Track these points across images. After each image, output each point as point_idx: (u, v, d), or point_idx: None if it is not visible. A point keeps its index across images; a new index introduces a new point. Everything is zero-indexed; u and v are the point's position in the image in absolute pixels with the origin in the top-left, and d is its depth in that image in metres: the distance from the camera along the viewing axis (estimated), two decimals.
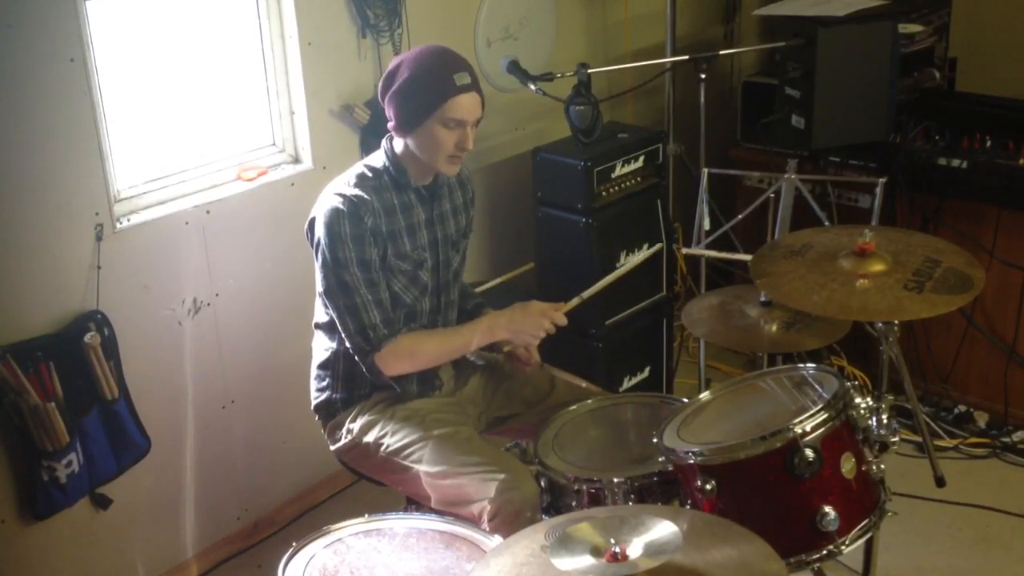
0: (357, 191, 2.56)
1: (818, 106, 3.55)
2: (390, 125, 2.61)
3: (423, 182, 2.67)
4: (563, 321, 2.64)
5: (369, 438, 2.65)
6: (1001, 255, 3.69)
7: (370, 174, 2.61)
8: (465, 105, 2.53)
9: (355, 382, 2.69)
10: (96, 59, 2.87)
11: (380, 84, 2.63)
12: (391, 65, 2.62)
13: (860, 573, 2.66)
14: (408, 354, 2.59)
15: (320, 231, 2.55)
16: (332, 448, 2.75)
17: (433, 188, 2.69)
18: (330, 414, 2.73)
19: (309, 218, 2.63)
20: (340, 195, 2.55)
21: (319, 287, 2.61)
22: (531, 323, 2.62)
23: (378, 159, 2.65)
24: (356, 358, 2.59)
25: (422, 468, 2.55)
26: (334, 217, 2.53)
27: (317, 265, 2.59)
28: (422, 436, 2.59)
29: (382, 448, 2.63)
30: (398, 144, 2.63)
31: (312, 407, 2.78)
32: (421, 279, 2.65)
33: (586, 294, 2.72)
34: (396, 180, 2.62)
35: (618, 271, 2.83)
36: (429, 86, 2.52)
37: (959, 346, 3.88)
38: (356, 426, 2.68)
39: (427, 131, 2.54)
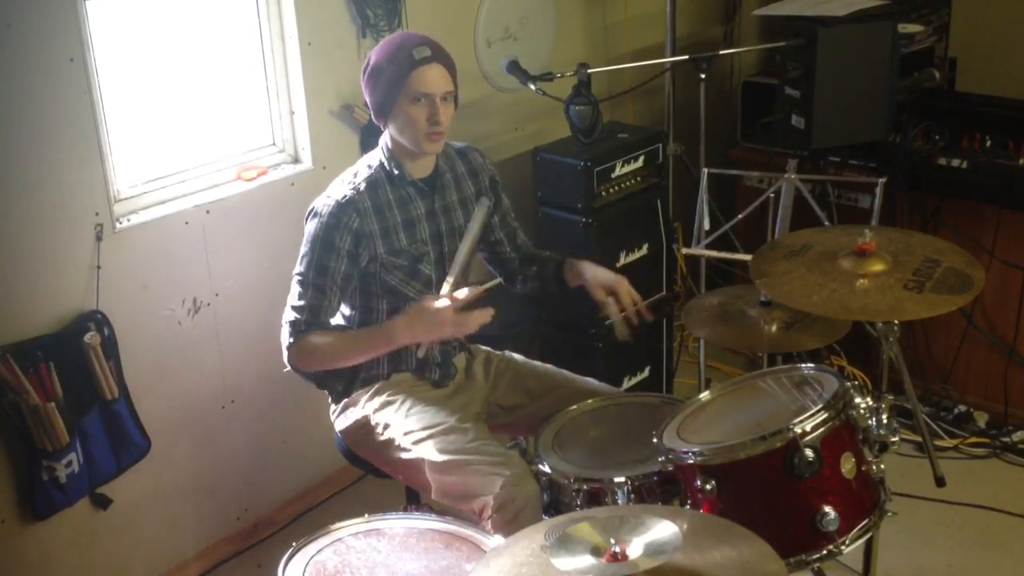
0: (349, 191, 2.61)
1: (818, 106, 3.55)
2: (373, 117, 2.67)
3: (422, 175, 2.69)
4: (454, 302, 2.52)
5: (380, 417, 2.68)
6: (1001, 255, 3.69)
7: (367, 171, 2.67)
8: (427, 77, 2.56)
9: (373, 363, 2.72)
10: (96, 59, 2.87)
11: (360, 79, 2.69)
12: (365, 58, 2.68)
13: (860, 573, 2.66)
14: (311, 351, 2.62)
15: (306, 224, 2.65)
16: (340, 428, 2.77)
17: (433, 180, 2.71)
18: (347, 392, 2.75)
19: (309, 207, 2.68)
20: (331, 197, 2.62)
21: None
22: (426, 320, 2.53)
23: (375, 156, 2.69)
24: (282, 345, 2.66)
25: (427, 456, 2.56)
26: (316, 218, 2.61)
27: None
28: (434, 424, 2.60)
29: (391, 428, 2.65)
30: (388, 137, 2.67)
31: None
32: (423, 272, 2.67)
33: (453, 273, 2.63)
34: (391, 175, 2.66)
35: (469, 236, 2.68)
36: (391, 66, 2.57)
37: (959, 346, 3.88)
38: (373, 404, 2.70)
39: (400, 112, 2.58)
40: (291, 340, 2.63)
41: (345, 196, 2.60)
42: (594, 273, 2.80)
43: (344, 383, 2.75)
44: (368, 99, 2.66)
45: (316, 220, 2.61)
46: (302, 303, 2.62)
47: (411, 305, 2.59)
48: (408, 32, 2.67)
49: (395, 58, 2.57)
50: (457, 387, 2.80)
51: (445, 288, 2.63)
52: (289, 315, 2.64)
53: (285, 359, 2.66)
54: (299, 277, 2.63)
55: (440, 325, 2.54)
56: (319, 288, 2.60)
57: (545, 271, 2.90)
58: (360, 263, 2.62)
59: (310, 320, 2.62)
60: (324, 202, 2.62)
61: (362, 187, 2.62)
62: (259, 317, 3.34)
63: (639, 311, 2.78)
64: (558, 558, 1.76)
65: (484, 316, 2.53)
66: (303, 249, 2.63)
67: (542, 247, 3.69)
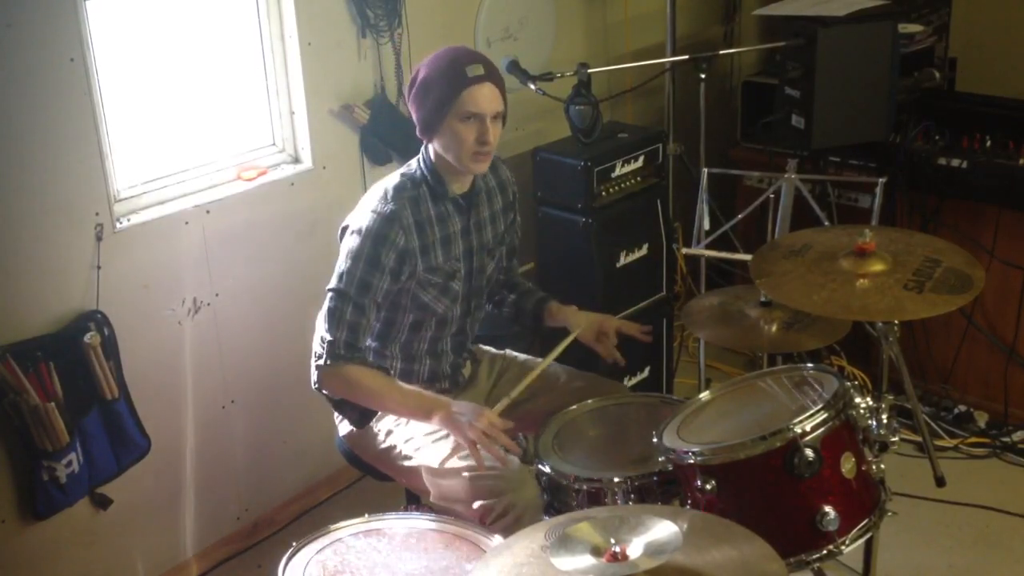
0: (392, 206, 2.55)
1: (818, 106, 3.55)
2: (417, 131, 2.61)
3: (461, 190, 2.65)
4: (498, 424, 2.45)
5: (383, 424, 2.67)
6: (1001, 255, 3.69)
7: (408, 184, 2.60)
8: (479, 96, 2.51)
9: None
10: (96, 59, 2.87)
11: (405, 92, 2.64)
12: (413, 71, 2.63)
13: (860, 573, 2.66)
14: (348, 383, 2.54)
15: (345, 239, 2.58)
16: (342, 434, 2.76)
17: (471, 196, 2.68)
18: (361, 422, 2.71)
19: (343, 224, 2.63)
20: (374, 212, 2.55)
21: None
22: (465, 428, 2.43)
23: (415, 168, 2.64)
24: (311, 360, 2.58)
25: (428, 462, 2.56)
26: (360, 233, 2.53)
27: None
28: (436, 430, 2.59)
29: (392, 436, 2.64)
30: (432, 152, 2.62)
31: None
32: (452, 288, 2.66)
33: (514, 393, 2.59)
34: (434, 190, 2.61)
35: (546, 361, 2.68)
36: (442, 82, 2.52)
37: (959, 346, 3.88)
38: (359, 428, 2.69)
39: (448, 129, 2.53)
40: (327, 362, 2.52)
41: (390, 210, 2.53)
42: (577, 321, 2.77)
43: (359, 414, 2.66)
44: (414, 113, 2.60)
45: (361, 235, 2.53)
46: (341, 322, 2.52)
47: (463, 402, 2.53)
48: (460, 47, 2.61)
49: (447, 74, 2.51)
50: (460, 390, 2.80)
51: (502, 403, 2.56)
52: (325, 334, 2.53)
53: (313, 377, 2.57)
54: (337, 294, 2.53)
55: (465, 433, 2.43)
56: (359, 307, 2.52)
57: (523, 304, 2.88)
58: (400, 281, 2.58)
59: (350, 342, 2.52)
60: (367, 216, 2.54)
61: (406, 202, 2.56)
62: (259, 317, 3.34)
63: (635, 335, 2.77)
64: (558, 558, 1.76)
65: (511, 446, 2.47)
66: (343, 264, 2.54)
67: (542, 247, 3.73)
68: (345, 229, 2.62)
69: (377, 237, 2.51)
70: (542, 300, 2.87)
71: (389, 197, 2.57)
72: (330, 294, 2.55)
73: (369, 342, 2.67)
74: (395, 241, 2.52)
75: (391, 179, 2.64)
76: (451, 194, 2.62)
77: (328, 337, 2.53)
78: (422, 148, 2.64)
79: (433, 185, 2.60)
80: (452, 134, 2.53)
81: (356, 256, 2.52)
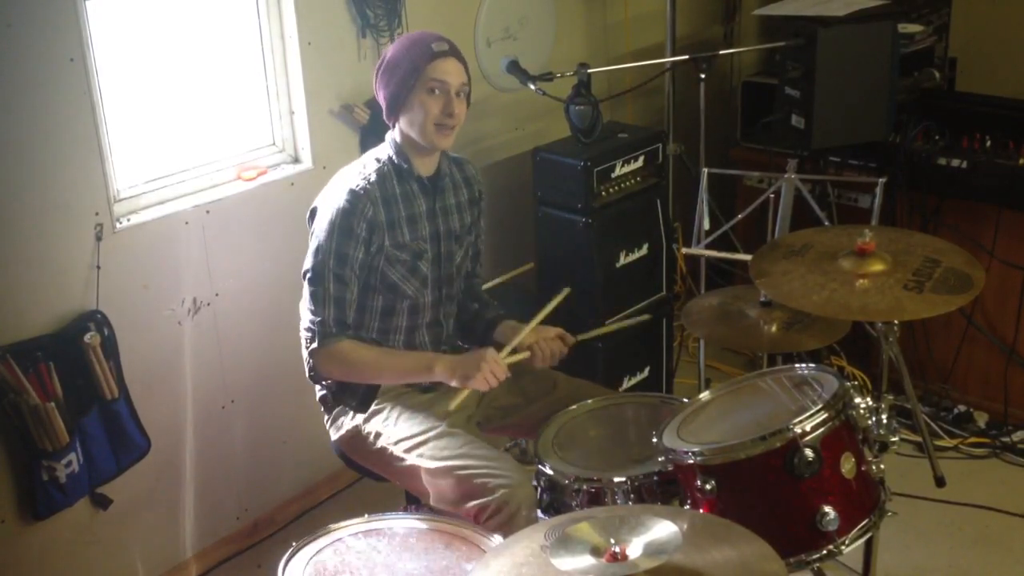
0: (360, 181, 2.61)
1: (818, 106, 3.55)
2: (384, 113, 2.67)
3: (427, 172, 2.69)
4: (503, 373, 2.52)
5: (371, 427, 2.66)
6: (1001, 255, 3.69)
7: (375, 163, 2.67)
8: (445, 68, 2.58)
9: None
10: (96, 59, 2.87)
11: (373, 78, 2.69)
12: (379, 58, 2.69)
13: (860, 573, 2.66)
14: (342, 359, 2.57)
15: (316, 218, 2.63)
16: (334, 438, 2.76)
17: (436, 180, 2.72)
18: (362, 407, 2.71)
19: (312, 207, 2.67)
20: (343, 188, 2.60)
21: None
22: (472, 366, 2.50)
23: (383, 149, 2.70)
24: (302, 350, 2.61)
25: (420, 463, 2.55)
26: (330, 207, 2.59)
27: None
28: (424, 430, 2.59)
29: (383, 438, 2.64)
30: (398, 132, 2.67)
31: (318, 398, 2.78)
32: (421, 270, 2.67)
33: (515, 342, 2.65)
34: (399, 168, 2.66)
35: (543, 312, 2.73)
36: (408, 58, 2.59)
37: (959, 346, 3.88)
38: (362, 414, 2.69)
39: (414, 102, 2.59)
40: (316, 345, 2.55)
41: (359, 185, 2.60)
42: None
43: (359, 399, 2.68)
44: (381, 93, 2.65)
45: (331, 210, 2.57)
46: (326, 299, 2.54)
47: (458, 356, 2.57)
48: (423, 31, 2.71)
49: (412, 51, 2.59)
50: (449, 389, 2.78)
51: (504, 352, 2.60)
52: (312, 317, 2.56)
53: (307, 367, 2.60)
54: (315, 272, 2.56)
55: (474, 371, 2.48)
56: (340, 279, 2.56)
57: (476, 325, 2.86)
58: (370, 253, 2.61)
59: (338, 318, 2.55)
60: (335, 193, 2.60)
61: (372, 178, 2.62)
62: (259, 317, 3.34)
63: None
64: (558, 558, 1.76)
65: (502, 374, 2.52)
66: (317, 242, 2.58)
67: (542, 247, 3.72)
68: (314, 211, 2.65)
69: (347, 210, 2.57)
70: (500, 317, 2.85)
71: (357, 175, 2.63)
72: (309, 275, 2.59)
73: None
74: (364, 211, 2.57)
75: (358, 161, 2.71)
76: (416, 173, 2.67)
77: (316, 319, 2.56)
78: (388, 133, 2.70)
79: (398, 164, 2.66)
80: (419, 106, 2.58)
81: (329, 230, 2.57)
